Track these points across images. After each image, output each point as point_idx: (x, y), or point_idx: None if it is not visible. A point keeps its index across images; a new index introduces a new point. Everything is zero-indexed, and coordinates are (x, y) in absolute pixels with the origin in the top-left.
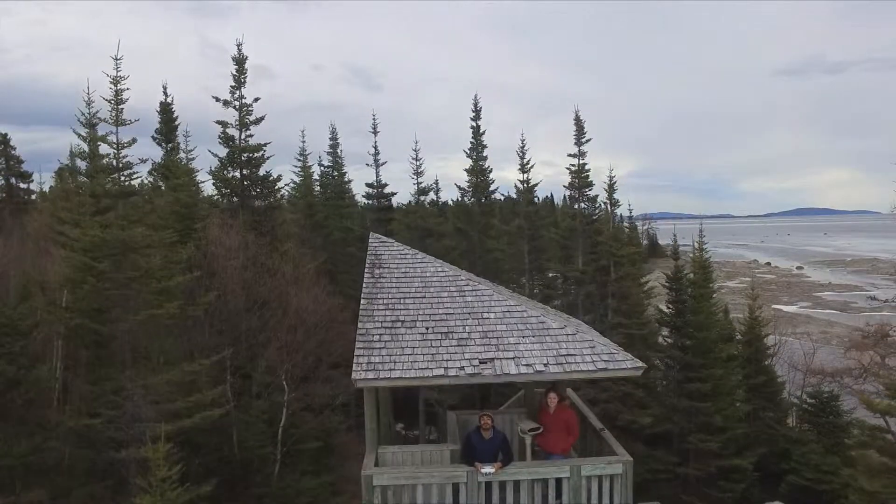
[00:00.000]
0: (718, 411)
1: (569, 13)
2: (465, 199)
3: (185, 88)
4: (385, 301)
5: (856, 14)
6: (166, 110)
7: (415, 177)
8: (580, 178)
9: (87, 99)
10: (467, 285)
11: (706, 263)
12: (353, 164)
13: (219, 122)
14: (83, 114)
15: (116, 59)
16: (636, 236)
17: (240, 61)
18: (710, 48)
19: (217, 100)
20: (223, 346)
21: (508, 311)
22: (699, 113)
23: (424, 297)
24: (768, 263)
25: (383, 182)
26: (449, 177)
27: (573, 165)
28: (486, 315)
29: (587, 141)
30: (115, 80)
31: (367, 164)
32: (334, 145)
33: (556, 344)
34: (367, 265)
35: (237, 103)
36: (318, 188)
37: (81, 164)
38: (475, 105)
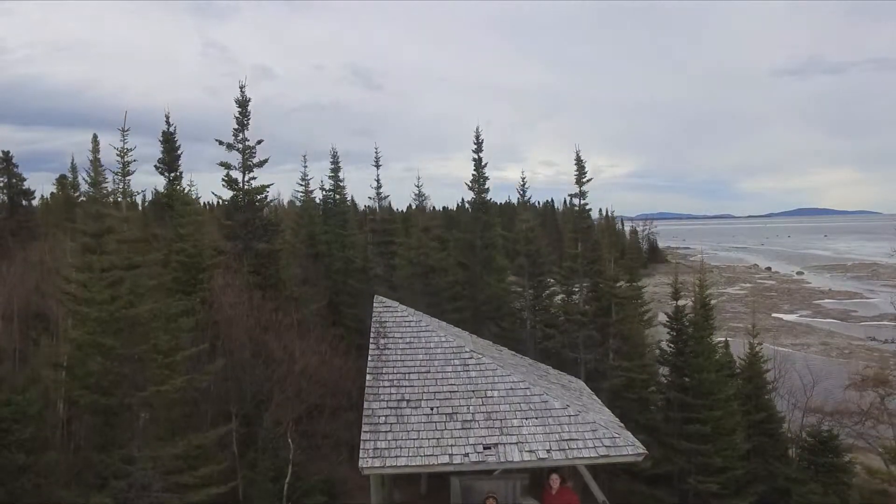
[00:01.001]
0: (718, 452)
1: (569, 13)
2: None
3: (186, 88)
4: (390, 377)
5: (856, 14)
6: (168, 139)
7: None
8: (582, 219)
9: (91, 156)
10: (471, 358)
11: (707, 301)
12: (353, 164)
13: (222, 164)
14: (89, 175)
15: (123, 130)
16: (636, 242)
17: (242, 104)
18: (711, 48)
19: (220, 143)
20: (228, 396)
21: (512, 389)
22: (699, 113)
23: (429, 371)
24: (769, 268)
25: (386, 215)
26: (450, 176)
27: (575, 206)
28: (489, 393)
29: (588, 181)
30: (123, 152)
31: (370, 198)
32: (335, 169)
33: (559, 427)
34: (371, 334)
35: (240, 146)
36: (319, 203)
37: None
38: (477, 138)
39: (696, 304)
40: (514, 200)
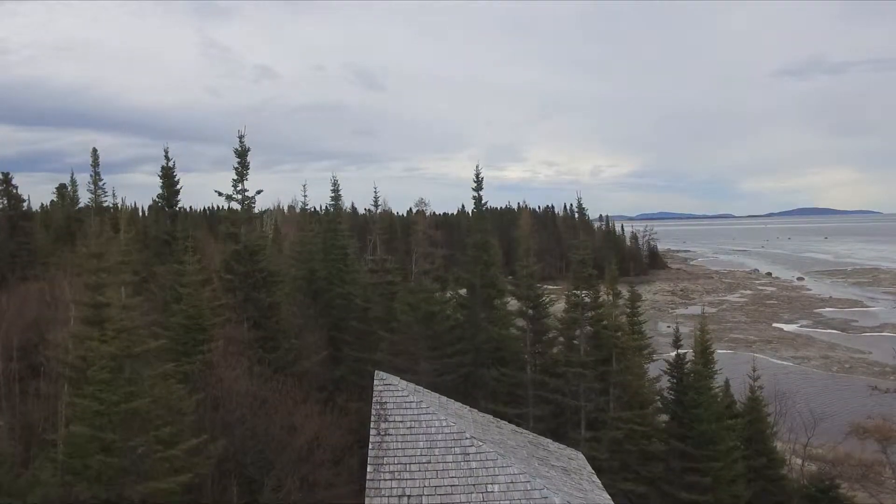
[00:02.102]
0: (719, 503)
1: (569, 13)
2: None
3: (187, 88)
4: (391, 469)
5: (856, 14)
6: (168, 175)
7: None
8: (581, 265)
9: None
10: (472, 446)
11: (707, 346)
12: (354, 164)
13: (222, 216)
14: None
15: (120, 211)
16: (637, 247)
17: (242, 154)
18: (711, 48)
19: (220, 194)
20: (228, 464)
21: (512, 483)
22: (700, 112)
23: (430, 462)
24: (769, 273)
25: (386, 258)
26: (449, 176)
27: (576, 249)
28: (490, 487)
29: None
30: (123, 248)
31: (369, 237)
32: (336, 196)
33: None
34: (372, 416)
35: (240, 196)
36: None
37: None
38: (477, 176)
39: (696, 351)
40: (515, 203)
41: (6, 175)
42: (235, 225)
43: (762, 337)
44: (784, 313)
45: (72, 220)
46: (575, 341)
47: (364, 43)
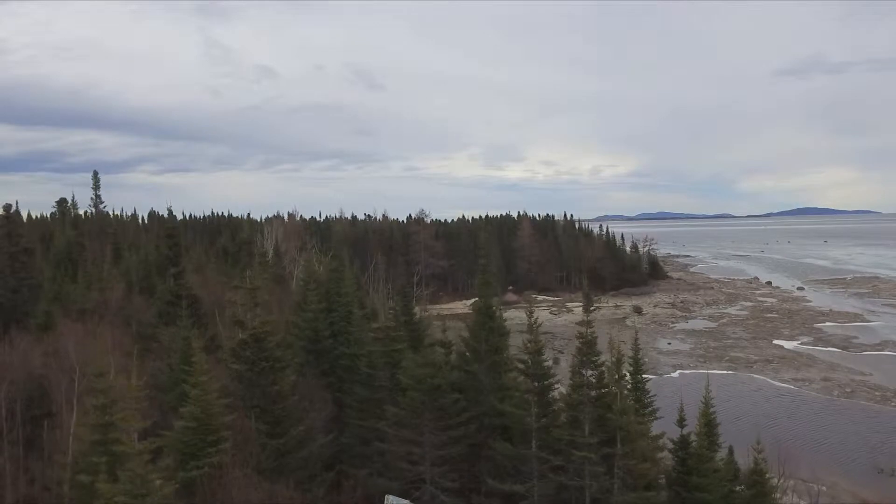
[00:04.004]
0: None
1: (569, 12)
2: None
3: (188, 88)
4: None
5: (856, 14)
6: (172, 234)
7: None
8: (587, 345)
9: None
10: None
11: (711, 418)
12: (353, 164)
13: (229, 301)
14: None
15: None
16: (637, 258)
17: (245, 242)
18: (711, 48)
19: (228, 282)
20: None
21: None
22: (700, 112)
23: None
24: (769, 282)
25: (390, 326)
26: (450, 176)
27: (581, 335)
28: None
29: (594, 309)
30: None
31: (369, 293)
32: (340, 264)
33: None
34: None
35: (247, 283)
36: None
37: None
38: (482, 255)
39: (700, 428)
40: (514, 205)
41: (7, 208)
42: (244, 310)
43: (763, 356)
44: (785, 328)
45: (73, 245)
46: (580, 416)
47: (364, 43)
